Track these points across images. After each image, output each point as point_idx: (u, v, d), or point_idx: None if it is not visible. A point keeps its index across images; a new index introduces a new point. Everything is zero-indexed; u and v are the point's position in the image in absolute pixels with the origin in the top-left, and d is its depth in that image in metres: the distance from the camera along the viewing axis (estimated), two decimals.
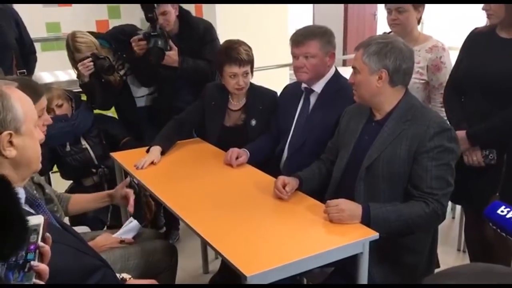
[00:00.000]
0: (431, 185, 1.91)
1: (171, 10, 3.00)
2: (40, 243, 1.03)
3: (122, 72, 3.19)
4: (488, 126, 2.35)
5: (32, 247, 1.03)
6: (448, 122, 2.53)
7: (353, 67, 2.04)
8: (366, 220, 1.88)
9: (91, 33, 3.14)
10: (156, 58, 2.92)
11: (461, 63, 2.51)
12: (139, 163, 2.53)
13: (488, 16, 2.34)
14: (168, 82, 3.19)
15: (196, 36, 3.09)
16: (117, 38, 3.19)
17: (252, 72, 2.71)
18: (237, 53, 2.60)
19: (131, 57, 3.08)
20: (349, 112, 2.24)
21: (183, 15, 3.11)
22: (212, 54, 2.95)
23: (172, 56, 2.97)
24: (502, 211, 1.26)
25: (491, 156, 2.39)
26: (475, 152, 2.41)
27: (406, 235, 1.96)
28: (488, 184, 2.36)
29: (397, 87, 1.99)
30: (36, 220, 1.07)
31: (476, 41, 2.47)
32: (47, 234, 1.06)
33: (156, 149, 2.64)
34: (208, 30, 3.14)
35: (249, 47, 2.69)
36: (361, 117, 2.14)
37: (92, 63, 2.97)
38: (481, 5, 2.36)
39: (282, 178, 2.15)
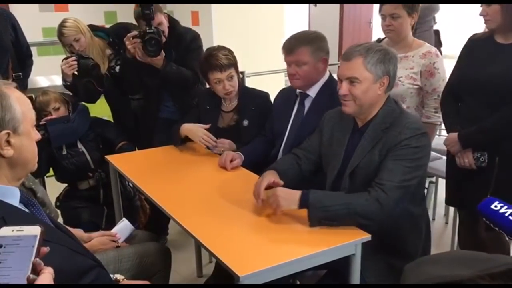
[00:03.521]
0: (381, 176, 1.90)
1: (164, 21, 3.01)
2: (35, 260, 0.94)
3: (118, 69, 3.18)
4: (478, 129, 2.36)
5: None
6: (444, 128, 2.55)
7: (350, 78, 1.96)
8: (304, 204, 1.89)
9: (93, 25, 3.14)
10: (155, 48, 2.87)
11: (458, 69, 2.53)
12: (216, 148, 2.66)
13: (485, 22, 2.36)
14: (153, 92, 3.18)
15: (183, 44, 3.10)
16: (119, 33, 3.18)
17: (238, 74, 2.73)
18: (215, 59, 2.64)
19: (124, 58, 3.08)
20: (331, 118, 2.22)
21: (172, 24, 3.11)
22: (196, 61, 2.95)
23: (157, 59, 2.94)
24: (495, 206, 1.28)
25: (482, 159, 2.40)
26: (467, 154, 2.43)
27: (347, 220, 1.88)
28: (480, 186, 2.36)
29: (387, 93, 2.02)
30: (31, 230, 0.96)
31: (474, 46, 2.49)
32: (43, 248, 0.97)
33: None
34: (195, 38, 3.15)
35: (230, 51, 2.71)
36: (346, 126, 2.13)
37: (75, 62, 2.96)
38: (477, 12, 2.38)
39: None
